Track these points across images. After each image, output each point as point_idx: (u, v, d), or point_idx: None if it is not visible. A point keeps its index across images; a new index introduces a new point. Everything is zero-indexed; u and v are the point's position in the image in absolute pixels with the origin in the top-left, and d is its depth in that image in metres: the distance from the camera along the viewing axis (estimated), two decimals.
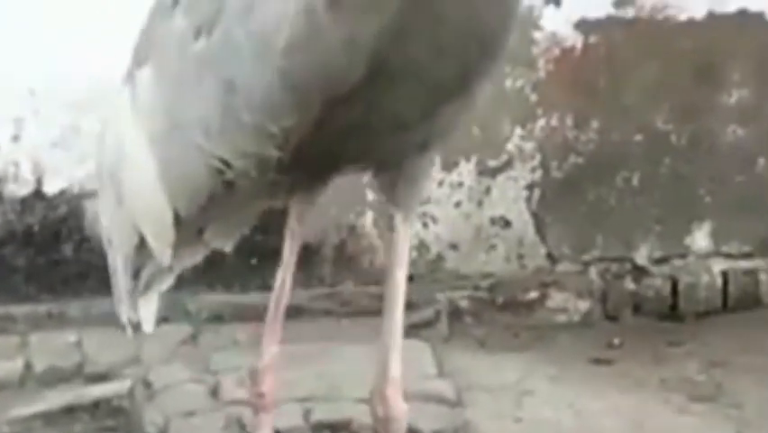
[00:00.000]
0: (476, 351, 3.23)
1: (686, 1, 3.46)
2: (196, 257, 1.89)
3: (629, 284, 3.52)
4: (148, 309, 1.91)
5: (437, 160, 1.75)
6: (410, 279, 1.80)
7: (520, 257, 3.50)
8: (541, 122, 3.47)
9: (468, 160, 3.42)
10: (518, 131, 3.46)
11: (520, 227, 3.49)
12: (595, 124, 3.48)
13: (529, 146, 3.47)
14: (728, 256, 3.57)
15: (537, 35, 3.38)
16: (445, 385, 2.86)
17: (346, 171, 1.69)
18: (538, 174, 3.48)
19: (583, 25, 3.43)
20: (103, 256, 3.42)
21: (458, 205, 3.45)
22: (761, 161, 3.56)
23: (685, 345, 3.28)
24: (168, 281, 1.92)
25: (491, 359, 3.15)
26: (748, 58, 3.52)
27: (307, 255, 3.11)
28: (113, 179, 1.78)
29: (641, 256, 3.53)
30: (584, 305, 3.48)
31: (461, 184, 3.44)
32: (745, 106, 3.53)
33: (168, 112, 1.63)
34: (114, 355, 3.06)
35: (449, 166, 3.41)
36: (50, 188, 3.33)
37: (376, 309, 3.30)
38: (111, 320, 3.24)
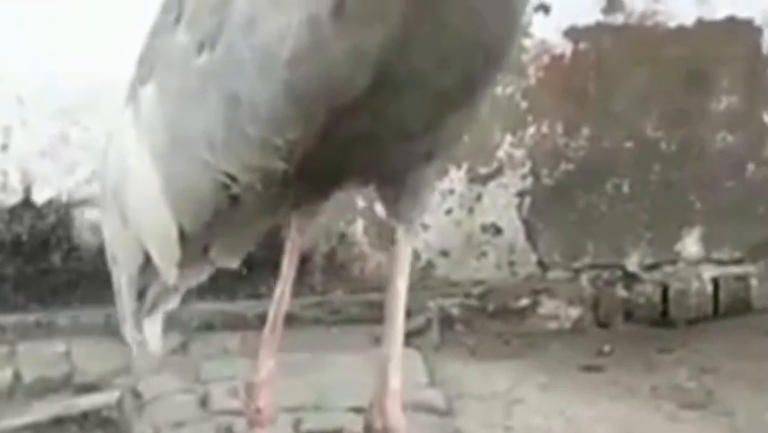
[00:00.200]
0: (467, 359, 3.22)
1: (675, 8, 3.46)
2: (201, 276, 1.86)
3: (620, 291, 3.52)
4: (153, 330, 1.88)
5: (440, 172, 1.73)
6: None
7: (511, 264, 3.50)
8: (531, 129, 3.47)
9: (458, 167, 3.42)
10: (509, 138, 3.46)
11: (511, 235, 3.49)
12: (585, 130, 3.49)
13: (519, 153, 3.47)
14: (719, 262, 3.57)
15: (527, 43, 3.38)
16: (436, 394, 2.86)
17: (351, 184, 1.68)
18: (529, 181, 3.48)
19: (572, 32, 3.44)
20: (92, 265, 3.42)
21: (449, 212, 3.45)
22: (750, 166, 3.57)
23: (676, 351, 3.28)
24: (173, 301, 1.89)
25: (482, 367, 3.15)
26: (737, 64, 3.52)
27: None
28: (116, 198, 1.76)
29: (632, 263, 3.54)
30: (575, 312, 3.48)
31: (451, 191, 3.44)
32: (735, 113, 3.53)
33: (172, 127, 1.62)
34: (104, 365, 3.05)
35: (439, 173, 3.41)
36: (39, 197, 3.31)
37: (367, 318, 3.33)
38: (100, 330, 3.25)
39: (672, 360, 3.22)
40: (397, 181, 1.66)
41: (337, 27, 1.41)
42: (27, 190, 3.31)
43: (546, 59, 3.43)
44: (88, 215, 3.30)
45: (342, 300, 3.40)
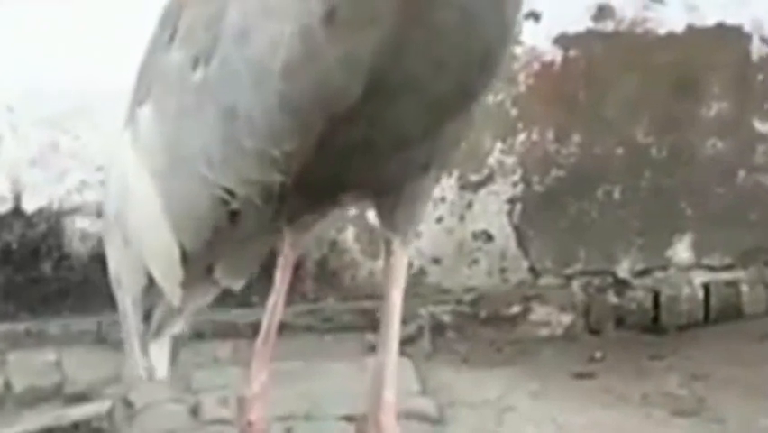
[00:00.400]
0: (459, 366, 3.22)
1: (665, 14, 3.47)
2: (206, 298, 1.85)
3: (611, 297, 3.52)
4: (161, 355, 1.87)
5: (436, 182, 1.73)
6: None
7: (502, 271, 3.50)
8: (522, 136, 3.47)
9: (449, 175, 3.42)
10: (499, 145, 3.46)
11: (502, 241, 3.49)
12: (576, 137, 3.49)
13: (510, 160, 3.47)
14: (710, 268, 3.57)
15: (517, 50, 3.38)
16: (427, 402, 2.85)
17: (349, 197, 1.67)
18: (520, 188, 3.48)
19: (563, 40, 3.44)
20: (82, 274, 3.40)
21: (440, 220, 3.45)
22: (741, 172, 3.58)
23: (667, 358, 3.28)
24: (179, 324, 1.88)
25: (474, 374, 3.14)
26: (727, 70, 3.53)
27: None
28: (119, 221, 1.76)
29: (623, 269, 3.54)
30: (567, 318, 3.48)
31: (443, 199, 3.44)
32: (725, 119, 3.54)
33: (170, 145, 1.62)
34: (94, 374, 3.04)
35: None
36: (29, 205, 3.30)
37: (359, 325, 3.33)
38: (90, 338, 3.24)
39: (664, 366, 3.22)
40: (394, 192, 1.65)
41: (329, 35, 1.41)
42: (17, 199, 3.30)
43: (536, 66, 3.44)
44: (79, 223, 3.30)
45: (334, 308, 3.39)
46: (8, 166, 3.29)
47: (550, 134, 3.48)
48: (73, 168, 3.28)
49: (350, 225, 3.40)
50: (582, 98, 3.48)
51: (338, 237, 3.42)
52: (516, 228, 3.50)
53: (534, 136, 3.47)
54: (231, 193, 1.55)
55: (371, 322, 3.10)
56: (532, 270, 3.51)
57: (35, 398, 3.04)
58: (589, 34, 3.45)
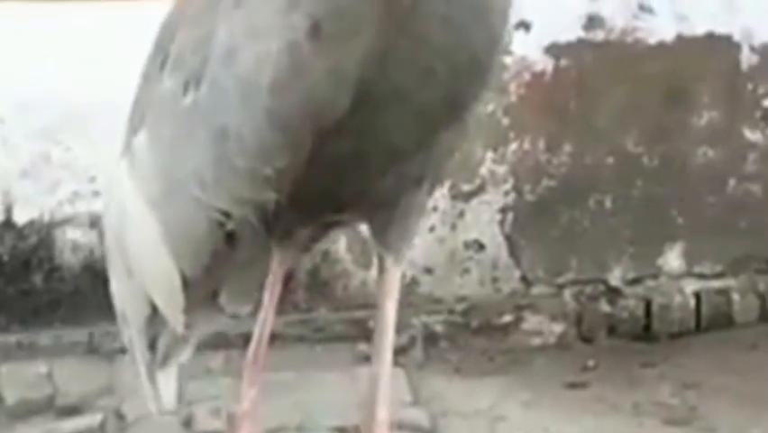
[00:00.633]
0: (451, 376, 3.22)
1: (655, 24, 3.49)
2: (212, 325, 1.85)
3: (604, 306, 3.52)
4: (168, 384, 1.86)
5: (429, 197, 1.72)
6: None
7: (494, 280, 3.50)
8: (513, 146, 3.48)
9: (441, 184, 3.42)
10: (491, 155, 3.46)
11: (494, 251, 3.49)
12: (567, 147, 3.50)
13: (502, 170, 3.47)
14: (701, 276, 3.58)
15: (508, 60, 3.39)
16: (420, 413, 2.85)
17: (342, 215, 1.67)
18: (511, 197, 3.49)
19: (553, 49, 3.45)
20: (73, 285, 3.39)
21: (432, 229, 3.45)
22: (731, 181, 3.59)
23: (659, 366, 3.28)
24: (186, 353, 1.87)
25: (466, 384, 3.14)
26: (717, 80, 3.54)
27: None
28: (120, 251, 1.76)
29: (614, 278, 3.54)
30: (559, 327, 3.48)
31: (434, 208, 3.44)
32: (715, 128, 3.55)
33: (164, 171, 1.62)
34: (87, 386, 3.03)
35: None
36: (20, 217, 3.30)
37: (350, 336, 3.32)
38: (82, 350, 3.23)
39: (655, 375, 3.23)
40: (387, 208, 1.64)
41: (315, 48, 1.41)
42: (8, 210, 3.30)
43: (527, 75, 3.44)
44: (70, 234, 3.29)
45: (326, 318, 3.39)
46: None
47: (541, 144, 3.49)
48: (64, 179, 3.27)
49: (342, 235, 3.40)
50: (573, 108, 3.49)
51: (330, 247, 3.42)
52: (508, 237, 3.50)
53: (526, 146, 3.48)
54: (226, 214, 1.55)
55: (363, 332, 3.10)
56: (524, 279, 3.52)
57: (27, 411, 3.02)
58: (580, 44, 3.46)
